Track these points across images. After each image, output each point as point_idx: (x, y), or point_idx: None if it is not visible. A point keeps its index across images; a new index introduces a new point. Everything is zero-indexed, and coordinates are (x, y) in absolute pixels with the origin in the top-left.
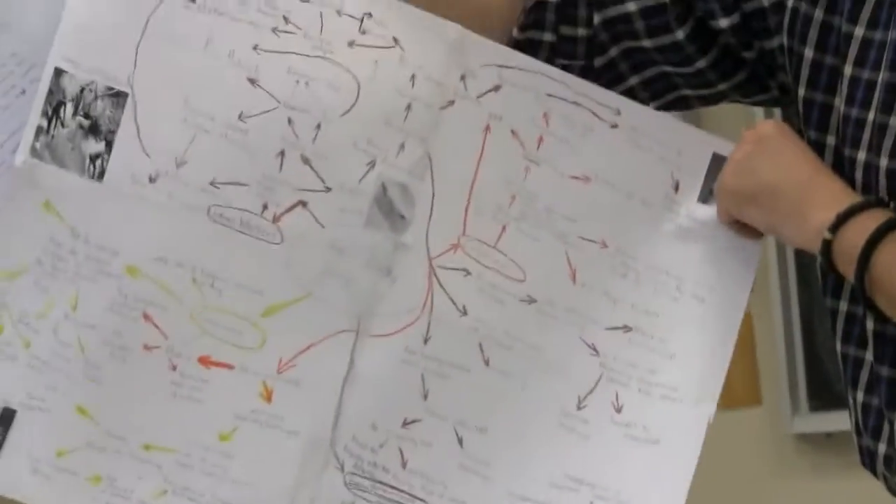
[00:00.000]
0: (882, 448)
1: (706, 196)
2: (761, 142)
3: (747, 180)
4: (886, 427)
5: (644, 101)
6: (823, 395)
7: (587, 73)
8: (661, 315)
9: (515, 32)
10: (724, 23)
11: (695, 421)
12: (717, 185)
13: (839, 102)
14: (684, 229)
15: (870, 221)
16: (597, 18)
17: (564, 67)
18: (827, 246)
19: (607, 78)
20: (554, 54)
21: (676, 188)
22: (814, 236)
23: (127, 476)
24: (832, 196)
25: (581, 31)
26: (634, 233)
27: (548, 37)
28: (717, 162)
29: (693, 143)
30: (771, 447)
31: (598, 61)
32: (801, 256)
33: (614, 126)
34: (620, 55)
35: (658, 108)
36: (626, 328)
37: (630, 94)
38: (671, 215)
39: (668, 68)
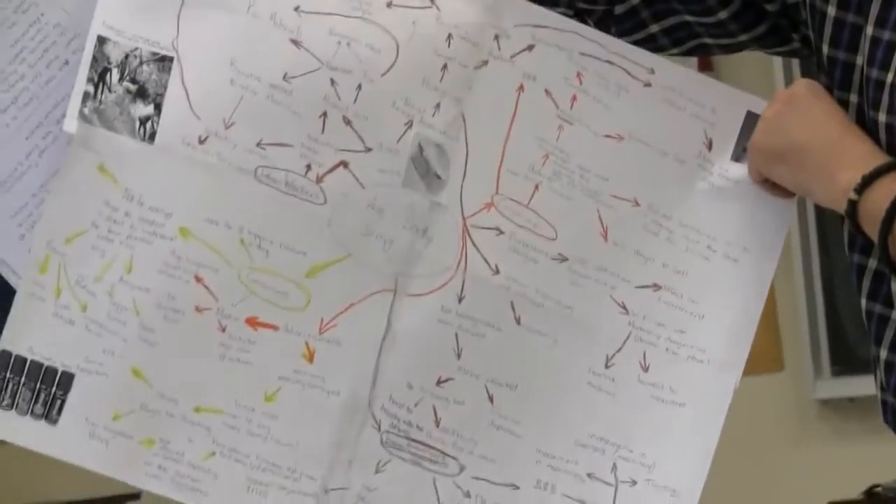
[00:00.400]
0: None
1: (739, 154)
2: (792, 100)
3: (777, 138)
4: None
5: (665, 48)
6: (846, 359)
7: (608, 18)
8: (692, 274)
9: None
10: None
11: (722, 384)
12: (749, 144)
13: (861, 61)
14: (717, 188)
15: (894, 185)
16: None
17: (586, 12)
18: (853, 206)
19: (628, 24)
20: None
21: (710, 146)
22: (840, 196)
23: (178, 438)
24: (860, 156)
25: None
26: (667, 191)
27: None
28: (751, 120)
29: (727, 101)
30: (794, 412)
31: (619, 8)
32: (822, 222)
33: (648, 85)
34: (642, 3)
35: (679, 55)
36: (656, 287)
37: (651, 40)
38: (704, 173)
39: (690, 17)
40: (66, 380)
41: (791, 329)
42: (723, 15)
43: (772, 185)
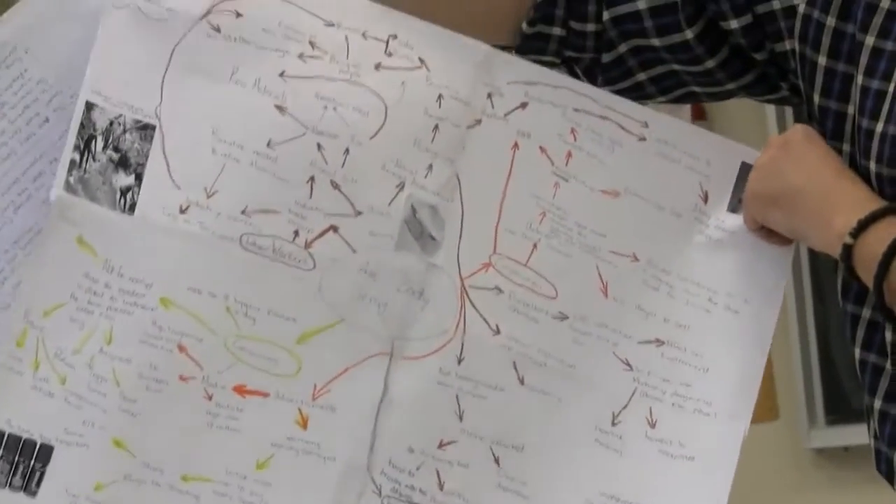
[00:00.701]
0: None
1: (735, 205)
2: (787, 145)
3: (772, 183)
4: None
5: (652, 96)
6: (840, 409)
7: (595, 66)
8: (694, 328)
9: (525, 27)
10: (734, 24)
11: (730, 436)
12: (744, 193)
13: (853, 111)
14: (715, 240)
15: (890, 228)
16: (606, 15)
17: (573, 60)
18: (847, 251)
19: (615, 73)
20: (563, 47)
21: (706, 199)
22: (835, 240)
23: None
24: (855, 200)
25: (590, 27)
26: (665, 245)
27: (557, 31)
28: (746, 171)
29: (721, 152)
30: (788, 461)
31: (607, 57)
32: (817, 271)
33: (642, 139)
34: (629, 52)
35: (667, 102)
36: (659, 342)
37: (638, 88)
38: (701, 226)
39: (677, 66)
40: (46, 451)
41: (786, 378)
42: (710, 64)
43: (768, 233)
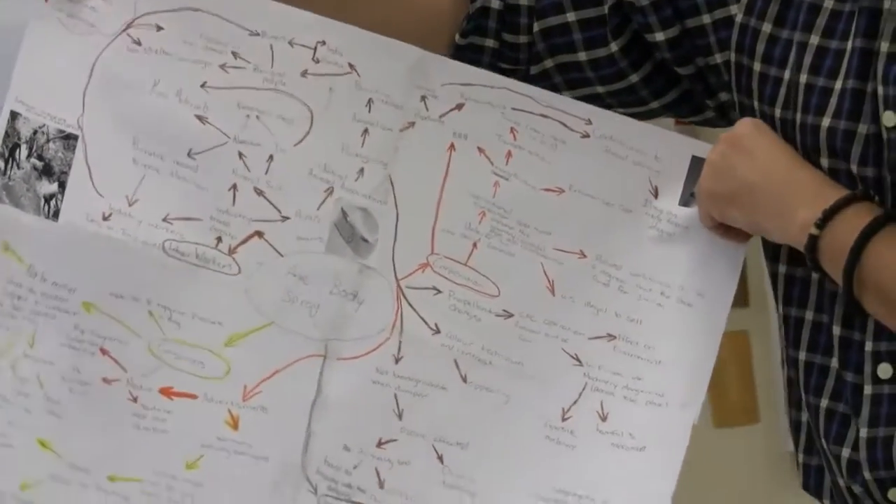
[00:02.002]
0: (846, 452)
1: (687, 199)
2: (737, 141)
3: (726, 182)
4: (852, 432)
5: None
6: None
7: (525, 80)
8: (647, 322)
9: (457, 38)
10: (660, 36)
11: (680, 426)
12: (696, 189)
13: (791, 112)
14: (667, 234)
15: (856, 218)
16: (536, 27)
17: (508, 72)
18: (813, 242)
19: (542, 86)
20: (497, 59)
21: (656, 194)
22: (799, 233)
23: None
24: (815, 191)
25: (523, 39)
26: (615, 241)
27: (490, 43)
28: (697, 164)
29: (669, 147)
30: (768, 465)
31: (534, 69)
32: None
33: (585, 136)
34: (555, 68)
35: None
36: (611, 336)
37: None
38: (653, 220)
39: (601, 88)
40: None
41: (766, 382)
42: (634, 78)
43: (725, 229)
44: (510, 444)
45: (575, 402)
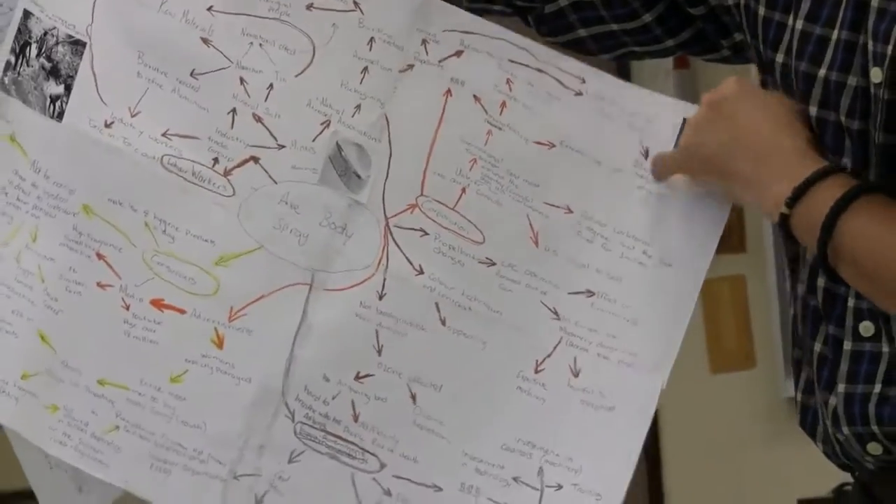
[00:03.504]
0: (833, 401)
1: None
2: (718, 105)
3: (703, 147)
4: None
5: (594, 52)
6: None
7: (540, 19)
8: (627, 280)
9: None
10: None
11: (649, 388)
12: (676, 150)
13: (791, 60)
14: (654, 194)
15: (827, 193)
16: None
17: (525, 9)
18: (785, 220)
19: (558, 25)
20: None
21: (646, 154)
22: (772, 207)
23: (82, 408)
24: (787, 165)
25: None
26: (602, 199)
27: None
28: None
29: (661, 109)
30: (765, 410)
31: (549, 7)
32: None
33: (579, 94)
34: (570, 6)
35: (609, 59)
36: (590, 293)
37: (580, 43)
38: (641, 181)
39: (615, 26)
40: None
41: (763, 327)
42: (647, 18)
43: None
44: (482, 391)
45: (549, 356)
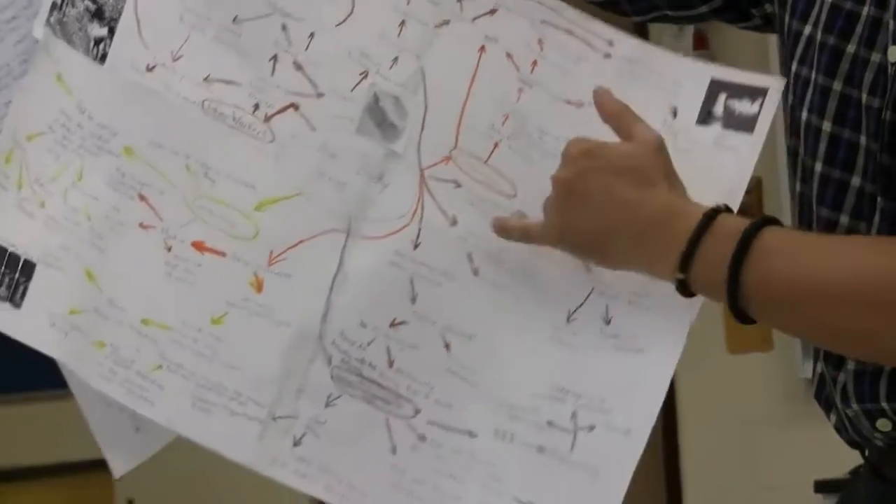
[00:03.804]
0: (841, 378)
1: (705, 117)
2: (568, 184)
3: (570, 236)
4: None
5: (627, 13)
6: None
7: None
8: None
9: None
10: None
11: (680, 326)
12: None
13: (819, 33)
14: (682, 151)
15: (720, 244)
16: None
17: None
18: (684, 284)
19: None
20: None
21: (675, 114)
22: (666, 275)
23: (127, 346)
24: (666, 229)
25: None
26: None
27: None
28: (715, 87)
29: (689, 72)
30: (782, 391)
31: None
32: None
33: (607, 56)
34: None
35: (642, 22)
36: None
37: (614, 4)
38: (669, 138)
39: None
40: (28, 268)
41: None
42: None
43: None
44: (514, 340)
45: (581, 305)
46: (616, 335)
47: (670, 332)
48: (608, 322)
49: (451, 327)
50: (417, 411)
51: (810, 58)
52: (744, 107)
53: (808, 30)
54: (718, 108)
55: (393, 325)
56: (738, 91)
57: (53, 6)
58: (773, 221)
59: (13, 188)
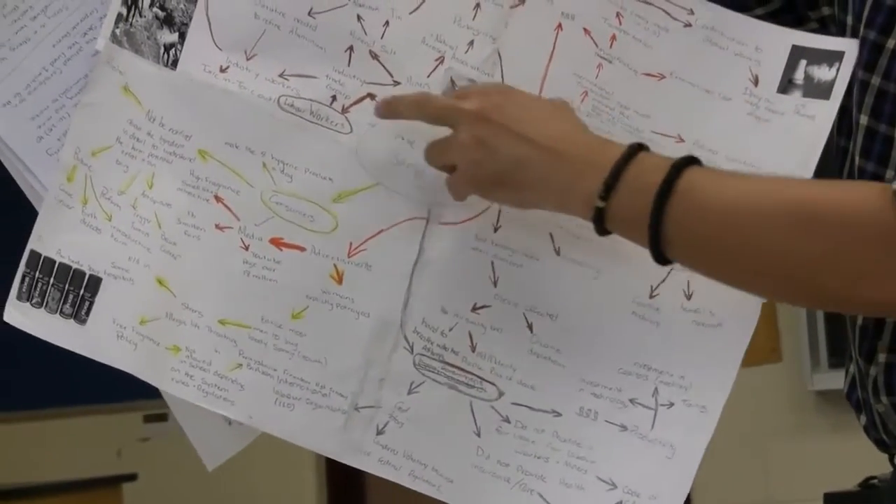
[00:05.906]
0: (873, 371)
1: (786, 86)
2: (485, 114)
3: (487, 164)
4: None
5: None
6: (843, 352)
7: None
8: None
9: None
10: None
11: (754, 299)
12: (450, 178)
13: (891, 41)
14: (763, 120)
15: (645, 177)
16: None
17: None
18: (600, 214)
19: None
20: None
21: (756, 82)
22: (581, 207)
23: (204, 348)
24: (589, 156)
25: None
26: (713, 126)
27: None
28: (797, 53)
29: (771, 37)
30: (791, 404)
31: None
32: None
33: (688, 25)
34: None
35: None
36: None
37: None
38: (750, 108)
39: None
40: (94, 283)
41: (789, 321)
42: None
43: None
44: (597, 318)
45: (663, 281)
46: (696, 310)
47: (745, 304)
48: (689, 297)
49: (533, 308)
50: (501, 394)
51: (872, 62)
52: (822, 73)
53: (872, 35)
54: (799, 76)
55: (475, 309)
56: (816, 56)
57: (119, 18)
58: (698, 162)
59: (78, 205)
